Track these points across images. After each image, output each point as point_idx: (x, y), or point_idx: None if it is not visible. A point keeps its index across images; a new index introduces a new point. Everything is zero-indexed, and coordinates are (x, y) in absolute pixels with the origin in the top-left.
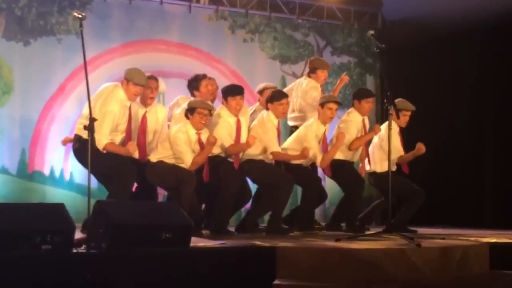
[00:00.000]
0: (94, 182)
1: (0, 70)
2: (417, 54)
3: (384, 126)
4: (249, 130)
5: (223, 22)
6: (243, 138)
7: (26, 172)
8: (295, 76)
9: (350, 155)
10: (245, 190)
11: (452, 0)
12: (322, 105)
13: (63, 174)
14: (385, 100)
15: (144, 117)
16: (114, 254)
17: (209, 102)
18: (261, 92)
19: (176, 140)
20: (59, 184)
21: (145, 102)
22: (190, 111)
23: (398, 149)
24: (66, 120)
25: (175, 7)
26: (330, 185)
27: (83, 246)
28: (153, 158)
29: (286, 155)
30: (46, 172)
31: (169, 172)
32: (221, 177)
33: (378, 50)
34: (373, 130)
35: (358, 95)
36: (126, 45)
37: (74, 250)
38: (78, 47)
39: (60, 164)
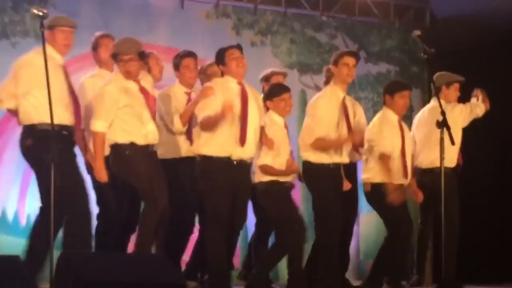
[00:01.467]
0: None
1: None
2: (474, 59)
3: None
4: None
5: (225, 21)
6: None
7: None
8: (318, 89)
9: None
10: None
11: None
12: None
13: (18, 217)
14: (437, 121)
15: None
16: None
17: None
18: (267, 79)
19: None
20: (12, 231)
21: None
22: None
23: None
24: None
25: (163, 1)
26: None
27: None
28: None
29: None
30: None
31: None
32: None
33: (426, 56)
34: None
35: (390, 89)
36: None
37: None
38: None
39: (14, 205)
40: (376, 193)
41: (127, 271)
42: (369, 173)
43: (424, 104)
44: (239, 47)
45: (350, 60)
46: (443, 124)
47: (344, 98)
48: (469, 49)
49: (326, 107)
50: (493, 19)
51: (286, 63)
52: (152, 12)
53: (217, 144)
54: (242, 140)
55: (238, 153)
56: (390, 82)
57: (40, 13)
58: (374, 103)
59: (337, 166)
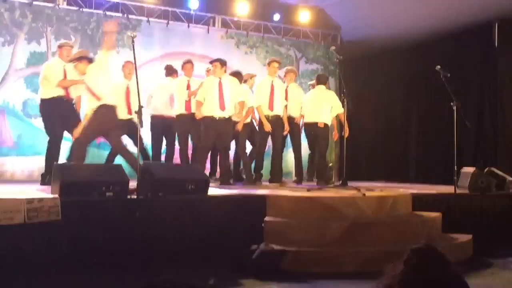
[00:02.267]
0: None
1: None
2: (365, 63)
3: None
4: None
5: (231, 40)
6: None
7: (95, 143)
8: (280, 77)
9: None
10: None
11: (387, 27)
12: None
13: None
14: (342, 95)
15: None
16: (155, 199)
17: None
18: (269, 63)
19: None
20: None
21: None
22: None
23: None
24: None
25: (198, 29)
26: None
27: (135, 194)
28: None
29: None
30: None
31: None
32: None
33: (337, 60)
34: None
35: (318, 78)
36: (164, 55)
37: (129, 197)
38: (131, 57)
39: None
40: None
41: (178, 173)
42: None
43: (336, 87)
44: (220, 60)
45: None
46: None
47: (272, 81)
48: (361, 57)
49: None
50: (375, 41)
51: (263, 63)
52: (192, 35)
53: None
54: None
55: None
56: (318, 75)
57: (132, 35)
58: (306, 84)
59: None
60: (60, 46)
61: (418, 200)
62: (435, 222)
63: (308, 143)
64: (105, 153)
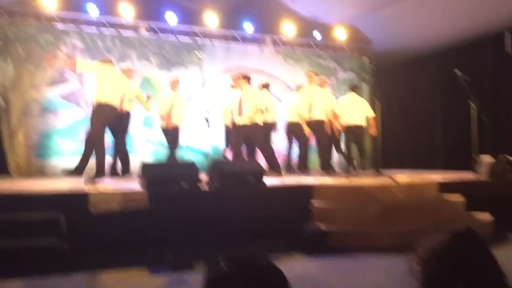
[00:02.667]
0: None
1: (156, 87)
2: (393, 70)
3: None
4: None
5: (279, 55)
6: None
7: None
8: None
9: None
10: None
11: (413, 38)
12: None
13: (191, 145)
14: (374, 98)
15: None
16: (222, 190)
17: None
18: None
19: None
20: (189, 150)
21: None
22: None
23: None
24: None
25: (253, 48)
26: None
27: (206, 185)
28: None
29: None
30: (182, 144)
31: None
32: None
33: (370, 69)
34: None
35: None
36: (225, 70)
37: (201, 188)
38: (198, 73)
39: (191, 140)
40: None
41: (240, 167)
42: None
43: (369, 93)
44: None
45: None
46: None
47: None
48: (391, 65)
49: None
50: (402, 51)
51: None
52: (249, 53)
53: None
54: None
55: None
56: (350, 83)
57: (200, 55)
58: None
59: None
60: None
61: (443, 185)
62: (459, 204)
63: (346, 141)
64: (180, 153)
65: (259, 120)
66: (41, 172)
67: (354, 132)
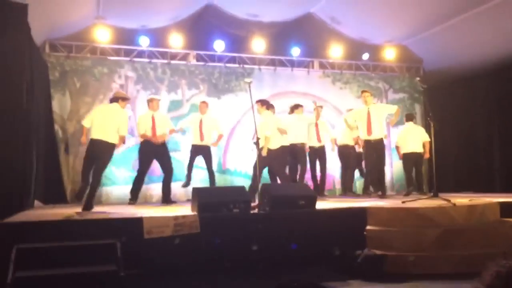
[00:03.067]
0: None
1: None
2: (446, 89)
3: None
4: None
5: (328, 78)
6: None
7: (221, 169)
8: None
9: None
10: None
11: (465, 57)
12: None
13: (239, 169)
14: (428, 118)
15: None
16: (273, 214)
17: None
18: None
19: None
20: (238, 175)
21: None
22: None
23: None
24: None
25: (300, 72)
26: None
27: (256, 210)
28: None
29: None
30: (231, 168)
31: None
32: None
33: (422, 89)
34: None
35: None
36: (273, 95)
37: (252, 212)
38: (247, 98)
39: (239, 164)
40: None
41: (290, 191)
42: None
43: (422, 113)
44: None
45: (366, 94)
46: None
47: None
48: (442, 85)
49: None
50: (454, 70)
51: (356, 96)
52: (296, 77)
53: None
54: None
55: None
56: (406, 114)
57: (248, 81)
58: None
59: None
60: (149, 100)
61: (505, 207)
62: None
63: (406, 165)
64: (229, 177)
65: (267, 146)
66: (98, 200)
67: (412, 158)
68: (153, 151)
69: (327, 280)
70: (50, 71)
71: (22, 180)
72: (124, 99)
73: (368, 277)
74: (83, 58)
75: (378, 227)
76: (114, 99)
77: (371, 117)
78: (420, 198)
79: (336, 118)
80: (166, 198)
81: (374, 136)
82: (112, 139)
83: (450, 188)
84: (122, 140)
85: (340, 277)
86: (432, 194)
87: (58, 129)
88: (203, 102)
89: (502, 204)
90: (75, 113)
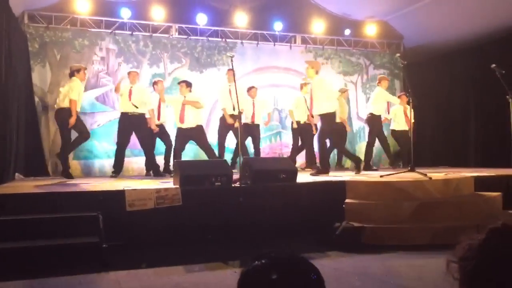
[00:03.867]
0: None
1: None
2: (426, 66)
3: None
4: None
5: (310, 54)
6: None
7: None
8: (352, 83)
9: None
10: None
11: (445, 33)
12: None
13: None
14: (407, 94)
15: None
16: (255, 187)
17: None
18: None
19: None
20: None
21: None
22: None
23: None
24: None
25: (282, 47)
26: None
27: (238, 183)
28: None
29: None
30: (213, 142)
31: None
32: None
33: (402, 65)
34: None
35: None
36: (255, 69)
37: (233, 185)
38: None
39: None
40: None
41: (271, 165)
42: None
43: (401, 89)
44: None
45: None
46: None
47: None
48: (422, 61)
49: None
50: (433, 46)
51: (337, 71)
52: (278, 52)
53: None
54: None
55: None
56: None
57: (230, 55)
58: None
59: None
60: (128, 73)
61: (479, 182)
62: (495, 200)
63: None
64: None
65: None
66: (79, 173)
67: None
68: (131, 124)
69: (306, 252)
70: (30, 42)
71: (2, 153)
72: (78, 70)
73: (346, 248)
74: (63, 29)
75: (357, 200)
76: (70, 74)
77: (313, 92)
78: (398, 172)
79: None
80: (155, 171)
81: (317, 111)
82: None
83: (426, 163)
84: (73, 104)
85: (319, 248)
86: (409, 168)
87: (38, 102)
88: (183, 82)
89: (476, 179)
90: (55, 85)
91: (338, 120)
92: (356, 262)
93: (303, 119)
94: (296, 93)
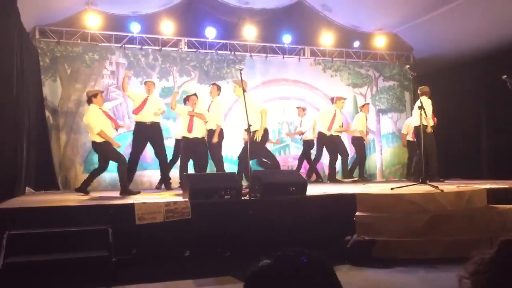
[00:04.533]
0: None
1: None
2: (436, 77)
3: None
4: None
5: (318, 66)
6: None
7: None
8: (362, 95)
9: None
10: None
11: (454, 45)
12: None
13: (230, 156)
14: (418, 106)
15: None
16: (264, 200)
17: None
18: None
19: None
20: (229, 161)
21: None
22: None
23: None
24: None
25: (291, 59)
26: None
27: (247, 196)
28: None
29: None
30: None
31: None
32: None
33: (411, 77)
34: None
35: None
36: (264, 82)
37: (242, 198)
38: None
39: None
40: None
41: (281, 178)
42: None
43: (411, 100)
44: None
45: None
46: (421, 107)
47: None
48: (432, 72)
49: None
50: (443, 58)
51: (346, 83)
52: (287, 64)
53: None
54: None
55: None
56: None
57: (239, 68)
58: (385, 99)
59: None
60: (144, 83)
61: (492, 194)
62: (509, 213)
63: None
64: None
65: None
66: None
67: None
68: (146, 135)
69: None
70: (41, 57)
71: (13, 167)
72: (95, 95)
73: (357, 262)
74: (73, 44)
75: (367, 213)
76: (88, 100)
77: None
78: (409, 185)
79: (326, 106)
80: (166, 184)
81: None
82: (94, 138)
83: (440, 174)
84: (104, 135)
85: (330, 262)
86: (420, 180)
87: (49, 116)
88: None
89: (489, 191)
90: (66, 99)
91: (357, 134)
92: (368, 276)
93: (327, 131)
94: (321, 106)
